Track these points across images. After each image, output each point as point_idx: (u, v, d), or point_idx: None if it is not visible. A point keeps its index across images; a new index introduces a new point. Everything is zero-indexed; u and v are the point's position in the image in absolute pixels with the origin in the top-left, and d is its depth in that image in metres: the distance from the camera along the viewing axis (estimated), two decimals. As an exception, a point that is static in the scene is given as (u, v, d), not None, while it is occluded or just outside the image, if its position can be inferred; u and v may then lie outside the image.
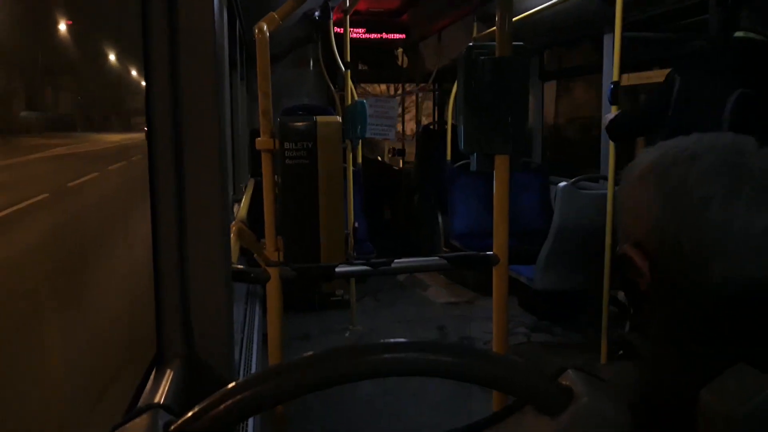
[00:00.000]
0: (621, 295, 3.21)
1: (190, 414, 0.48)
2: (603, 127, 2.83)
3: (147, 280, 1.00)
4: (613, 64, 2.86)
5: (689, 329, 0.62)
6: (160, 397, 0.86)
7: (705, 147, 0.62)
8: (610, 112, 2.81)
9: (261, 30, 1.61)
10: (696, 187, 0.59)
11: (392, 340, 0.52)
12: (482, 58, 1.52)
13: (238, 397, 0.48)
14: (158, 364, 0.98)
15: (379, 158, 8.26)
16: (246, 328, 2.99)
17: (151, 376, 0.94)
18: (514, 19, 1.57)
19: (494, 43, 1.56)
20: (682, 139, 0.65)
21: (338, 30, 4.23)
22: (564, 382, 0.54)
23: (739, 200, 0.58)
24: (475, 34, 4.57)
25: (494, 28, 1.56)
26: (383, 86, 10.05)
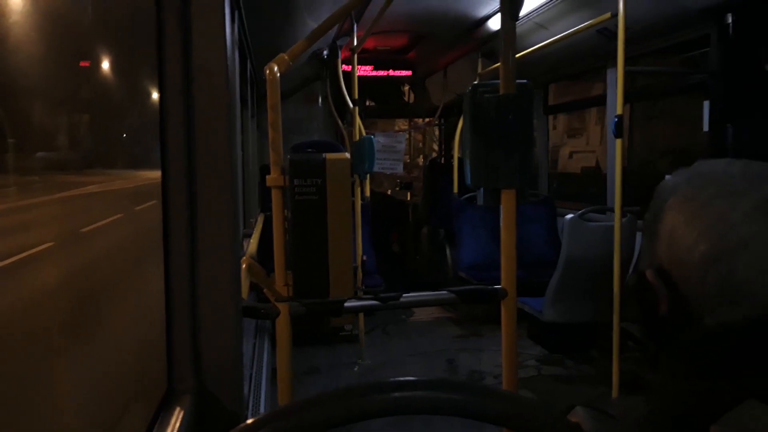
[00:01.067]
0: (632, 326, 3.18)
1: None
2: None
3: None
4: (616, 98, 2.89)
5: (705, 362, 0.61)
6: (171, 434, 0.87)
7: (748, 181, 0.60)
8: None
9: (272, 71, 1.66)
10: (737, 227, 0.58)
11: (403, 378, 0.53)
12: (487, 96, 1.56)
13: None
14: (168, 400, 0.98)
15: (389, 191, 8.32)
16: (255, 362, 2.97)
17: (162, 413, 0.94)
18: (518, 54, 1.60)
19: (498, 81, 1.59)
20: (723, 167, 0.62)
21: (346, 68, 4.32)
22: (573, 419, 0.54)
23: None
24: (480, 69, 4.66)
25: (499, 64, 1.59)
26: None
